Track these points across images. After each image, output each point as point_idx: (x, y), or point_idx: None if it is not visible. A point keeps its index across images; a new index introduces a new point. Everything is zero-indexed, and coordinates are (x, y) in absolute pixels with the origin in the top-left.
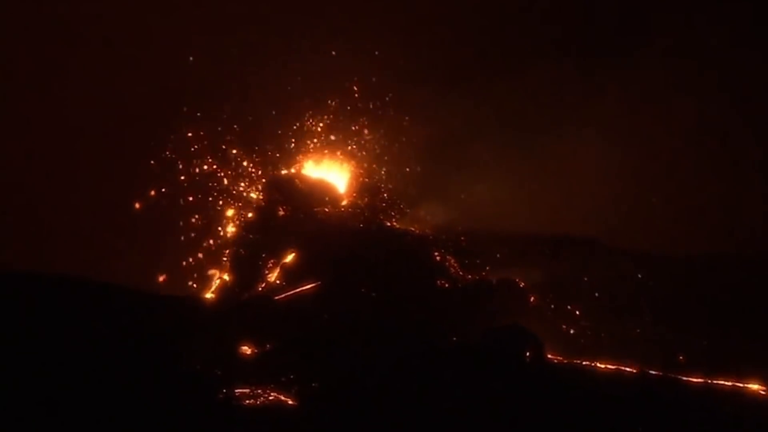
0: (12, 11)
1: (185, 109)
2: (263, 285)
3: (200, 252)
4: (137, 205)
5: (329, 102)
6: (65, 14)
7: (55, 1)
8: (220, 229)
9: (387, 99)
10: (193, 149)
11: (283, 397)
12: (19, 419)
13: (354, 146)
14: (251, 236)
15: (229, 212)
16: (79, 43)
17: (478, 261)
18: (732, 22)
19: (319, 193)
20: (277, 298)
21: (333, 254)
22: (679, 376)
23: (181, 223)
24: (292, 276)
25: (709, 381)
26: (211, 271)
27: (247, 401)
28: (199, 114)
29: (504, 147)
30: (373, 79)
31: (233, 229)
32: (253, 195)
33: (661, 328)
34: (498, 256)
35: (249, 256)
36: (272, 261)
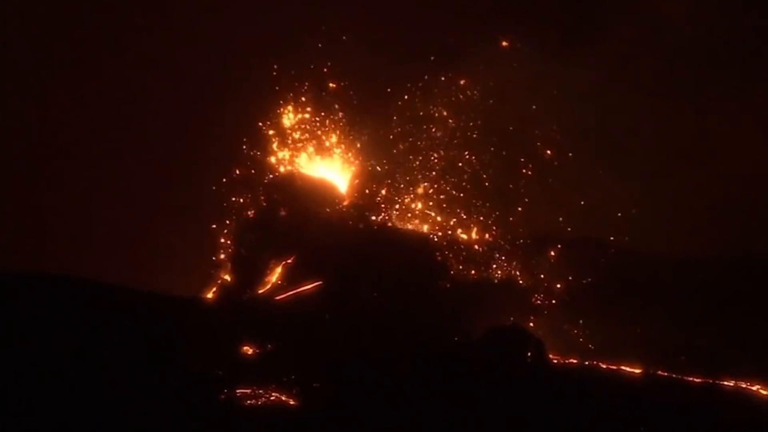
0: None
1: (183, 110)
2: (264, 285)
3: (200, 252)
4: (136, 206)
5: (330, 101)
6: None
7: None
8: (220, 229)
9: (387, 98)
10: (193, 149)
11: (284, 398)
12: (20, 420)
13: (355, 146)
14: (251, 236)
15: (230, 213)
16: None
17: (478, 261)
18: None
19: (320, 193)
20: (278, 298)
21: (334, 254)
22: (681, 377)
23: (180, 224)
24: (292, 276)
25: (711, 381)
26: (211, 271)
27: (249, 402)
28: (197, 114)
29: (505, 147)
30: (374, 79)
31: (233, 229)
32: (254, 195)
33: (662, 329)
34: (498, 256)
35: (249, 256)
36: (273, 261)
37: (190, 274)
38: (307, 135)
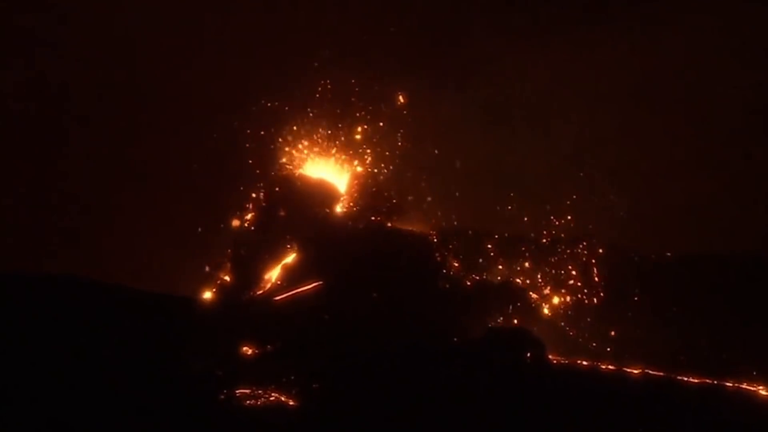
0: None
1: (184, 112)
2: (263, 285)
3: (200, 252)
4: (136, 207)
5: (330, 101)
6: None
7: None
8: (220, 229)
9: (388, 98)
10: (193, 150)
11: (283, 398)
12: (20, 419)
13: (355, 146)
14: (251, 236)
15: (229, 212)
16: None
17: (478, 261)
18: None
19: (320, 193)
20: (277, 298)
21: (333, 254)
22: (680, 377)
23: (181, 224)
24: (292, 276)
25: (711, 381)
26: (211, 271)
27: (248, 402)
28: (198, 117)
29: (506, 147)
30: (375, 78)
31: (233, 229)
32: (253, 195)
33: (662, 329)
34: (498, 256)
35: (249, 256)
36: (272, 261)
37: (190, 274)
38: (307, 136)
